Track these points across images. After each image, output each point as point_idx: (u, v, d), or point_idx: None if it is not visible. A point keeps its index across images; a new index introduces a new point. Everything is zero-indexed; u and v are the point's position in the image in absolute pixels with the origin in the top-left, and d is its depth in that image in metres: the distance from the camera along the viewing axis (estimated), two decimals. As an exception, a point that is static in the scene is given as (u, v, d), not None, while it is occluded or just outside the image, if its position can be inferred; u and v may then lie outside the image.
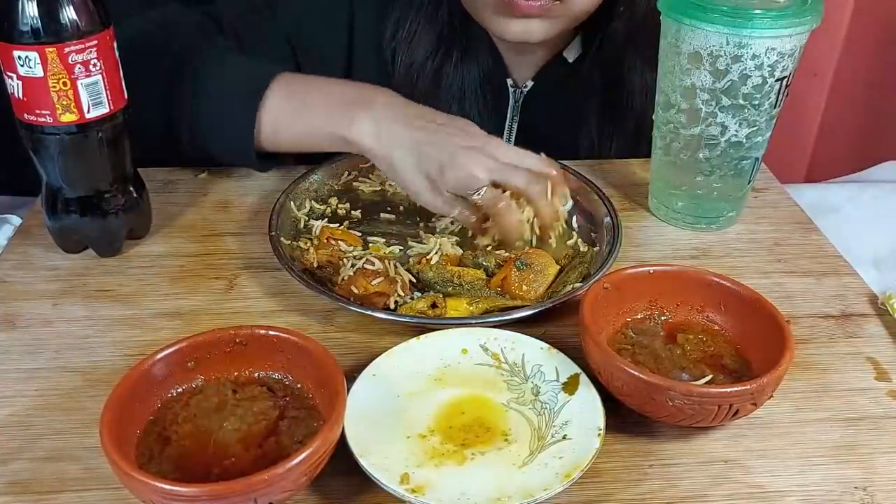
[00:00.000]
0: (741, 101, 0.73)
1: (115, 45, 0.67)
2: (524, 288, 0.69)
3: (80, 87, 0.65)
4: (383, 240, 0.77)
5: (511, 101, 0.97)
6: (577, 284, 0.70)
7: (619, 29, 0.90)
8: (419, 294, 0.70)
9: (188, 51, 0.79)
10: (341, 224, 0.79)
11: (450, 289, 0.70)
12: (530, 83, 0.96)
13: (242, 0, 0.92)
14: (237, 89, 0.77)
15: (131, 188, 0.74)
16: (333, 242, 0.74)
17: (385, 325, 0.67)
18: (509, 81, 0.96)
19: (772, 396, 0.56)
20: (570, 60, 0.95)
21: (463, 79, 0.93)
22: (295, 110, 0.76)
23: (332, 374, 0.52)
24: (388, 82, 0.83)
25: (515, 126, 0.98)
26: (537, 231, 0.73)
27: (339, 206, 0.81)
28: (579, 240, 0.77)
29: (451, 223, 0.78)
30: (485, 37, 0.92)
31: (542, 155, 0.74)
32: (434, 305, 0.68)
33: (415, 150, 0.72)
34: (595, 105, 0.97)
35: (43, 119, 0.65)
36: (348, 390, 0.53)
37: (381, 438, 0.54)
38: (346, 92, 0.77)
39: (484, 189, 0.70)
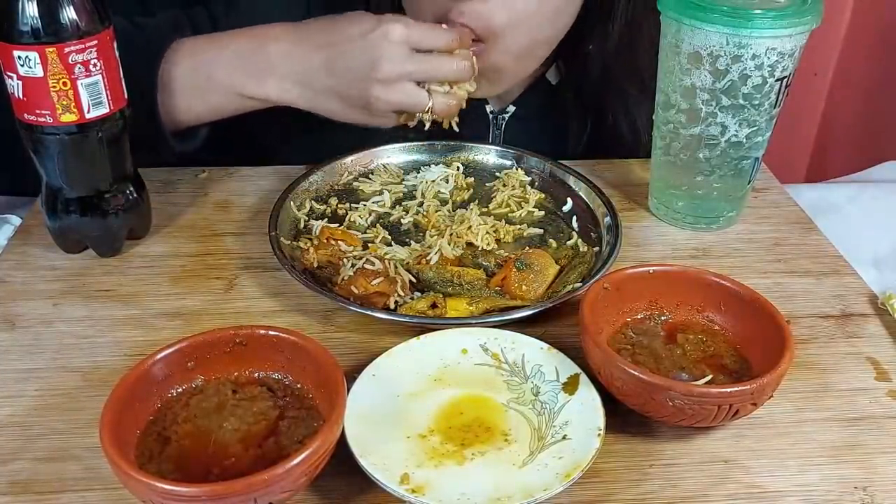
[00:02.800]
0: (741, 101, 0.73)
1: (115, 44, 0.67)
2: (524, 288, 0.69)
3: (80, 87, 0.65)
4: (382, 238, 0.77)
5: (492, 129, 0.96)
6: (577, 284, 0.70)
7: (595, 63, 0.90)
8: (419, 294, 0.70)
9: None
10: (341, 224, 0.79)
11: (449, 289, 0.70)
12: (512, 108, 0.95)
13: (183, 19, 0.87)
14: (135, 68, 0.73)
15: (131, 188, 0.74)
16: (333, 242, 0.74)
17: (385, 325, 0.67)
18: (488, 108, 0.95)
19: (772, 396, 0.56)
20: (553, 83, 0.95)
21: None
22: (194, 77, 0.75)
23: (332, 374, 0.52)
24: None
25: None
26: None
27: (339, 206, 0.81)
28: (579, 240, 0.78)
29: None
30: None
31: (444, 27, 0.75)
32: (434, 305, 0.68)
33: (331, 93, 0.73)
34: (579, 129, 0.96)
35: (43, 119, 0.65)
36: (348, 390, 0.53)
37: (381, 438, 0.54)
38: (242, 43, 0.76)
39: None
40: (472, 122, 0.94)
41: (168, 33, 0.77)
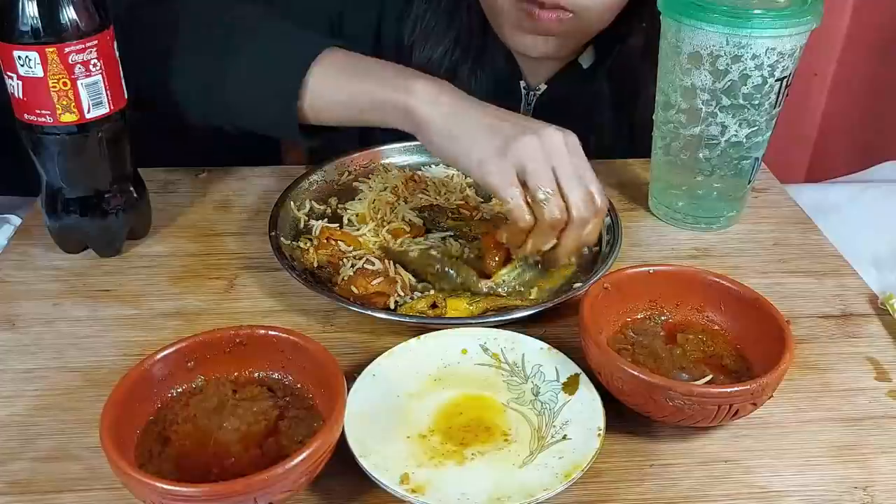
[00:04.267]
0: (741, 101, 0.73)
1: (115, 45, 0.67)
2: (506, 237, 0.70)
3: (80, 87, 0.65)
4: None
5: (524, 104, 0.97)
6: (577, 284, 0.70)
7: (636, 44, 0.91)
8: (419, 294, 0.70)
9: (238, 20, 0.76)
10: (341, 224, 0.79)
11: (431, 269, 0.70)
12: (543, 86, 0.96)
13: None
14: (283, 56, 0.74)
15: (131, 188, 0.74)
16: (333, 242, 0.75)
17: (385, 325, 0.67)
18: (522, 84, 0.96)
19: (772, 396, 0.56)
20: (585, 67, 0.96)
21: (476, 80, 0.93)
22: (343, 78, 0.73)
23: (332, 374, 0.52)
24: None
25: None
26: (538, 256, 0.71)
27: (339, 206, 0.81)
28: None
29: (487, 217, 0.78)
30: (501, 44, 0.93)
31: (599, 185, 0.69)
32: (434, 305, 0.68)
33: (482, 126, 0.67)
34: (608, 111, 0.97)
35: (43, 119, 0.65)
36: (348, 390, 0.53)
37: (381, 438, 0.54)
38: (400, 69, 0.74)
39: (549, 188, 0.65)
40: (504, 96, 0.95)
41: (321, 40, 0.76)
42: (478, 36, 0.92)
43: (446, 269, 0.71)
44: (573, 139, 0.68)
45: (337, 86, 0.73)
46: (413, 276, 0.72)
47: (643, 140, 0.90)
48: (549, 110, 0.96)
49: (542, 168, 0.65)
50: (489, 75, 0.94)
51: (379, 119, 0.72)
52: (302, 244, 0.75)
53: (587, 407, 0.56)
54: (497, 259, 0.71)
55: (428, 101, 0.68)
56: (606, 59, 0.94)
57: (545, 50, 0.86)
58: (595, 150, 0.97)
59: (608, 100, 0.97)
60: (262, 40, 0.75)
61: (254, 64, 0.74)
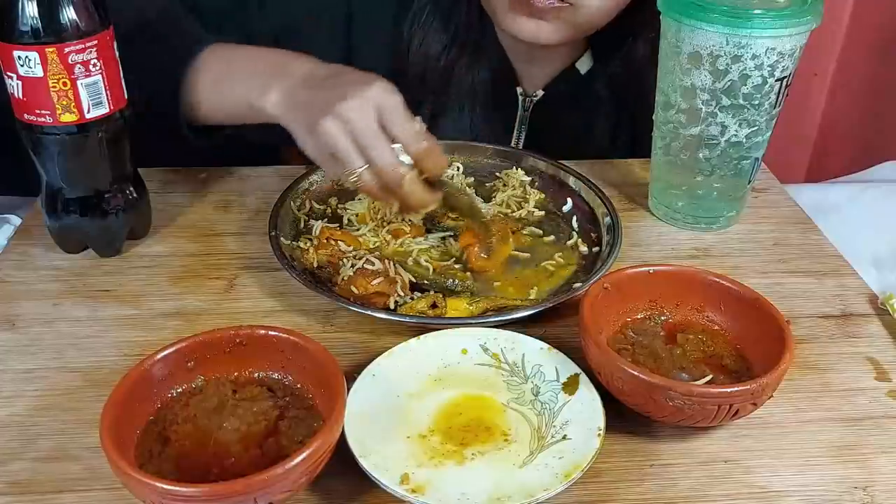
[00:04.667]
0: (741, 101, 0.73)
1: (115, 44, 0.67)
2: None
3: (80, 87, 0.65)
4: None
5: (520, 110, 0.97)
6: (577, 284, 0.70)
7: (639, 49, 0.91)
8: (419, 294, 0.70)
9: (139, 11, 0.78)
10: (341, 224, 0.79)
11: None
12: (540, 93, 0.96)
13: None
14: (167, 62, 0.76)
15: (131, 188, 0.74)
16: (333, 242, 0.75)
17: (385, 325, 0.67)
18: (519, 90, 0.96)
19: (772, 396, 0.56)
20: (583, 72, 0.96)
21: (473, 81, 0.94)
22: (218, 81, 0.75)
23: (332, 374, 0.52)
24: (395, 77, 0.82)
25: (524, 134, 0.98)
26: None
27: (339, 206, 0.81)
28: (579, 240, 0.78)
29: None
30: (498, 44, 0.93)
31: (419, 122, 0.70)
32: (434, 305, 0.68)
33: (300, 108, 0.70)
34: (605, 117, 0.97)
35: (43, 119, 0.65)
36: (348, 390, 0.53)
37: (381, 438, 0.54)
38: (269, 60, 0.76)
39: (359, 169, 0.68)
40: (503, 102, 0.95)
41: (205, 34, 0.78)
42: (476, 31, 0.92)
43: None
44: (374, 92, 0.67)
45: (210, 93, 0.76)
46: (412, 278, 0.72)
47: (644, 146, 0.91)
48: (546, 115, 0.96)
49: (345, 151, 0.67)
50: (485, 78, 0.94)
51: (250, 116, 0.75)
52: (302, 244, 0.75)
53: (587, 407, 0.56)
54: (475, 250, 0.73)
55: (275, 102, 0.71)
56: (605, 65, 0.94)
57: (537, 35, 0.85)
58: (592, 156, 0.97)
59: (606, 105, 0.97)
60: (143, 44, 0.75)
61: (138, 66, 0.74)
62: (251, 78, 0.75)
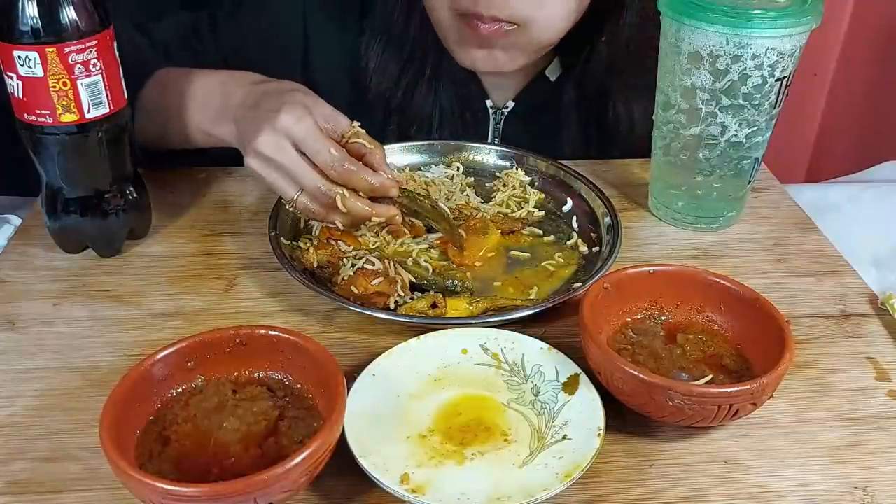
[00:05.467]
0: (741, 101, 0.73)
1: (115, 45, 0.67)
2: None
3: (80, 87, 0.65)
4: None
5: (492, 123, 0.96)
6: (577, 284, 0.70)
7: (602, 54, 0.90)
8: (419, 294, 0.70)
9: None
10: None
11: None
12: (511, 103, 0.95)
13: (188, 24, 0.91)
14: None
15: (131, 188, 0.74)
16: (333, 242, 0.74)
17: (385, 325, 0.67)
18: (489, 103, 0.95)
19: (772, 396, 0.56)
20: (553, 79, 0.95)
21: (438, 100, 0.92)
22: (166, 109, 0.78)
23: (332, 374, 0.52)
24: (356, 98, 0.83)
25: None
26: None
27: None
28: (579, 240, 0.78)
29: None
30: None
31: (355, 125, 0.71)
32: (434, 305, 0.68)
33: (240, 146, 0.73)
34: (577, 124, 0.96)
35: (43, 119, 0.65)
36: (348, 390, 0.53)
37: (381, 438, 0.54)
38: (213, 88, 0.78)
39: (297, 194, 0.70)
40: (473, 116, 0.94)
41: (160, 59, 0.81)
42: (434, 52, 0.90)
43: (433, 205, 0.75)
44: (283, 122, 0.68)
45: (164, 124, 0.79)
46: (412, 279, 0.72)
47: (610, 152, 0.92)
48: (518, 124, 0.96)
49: (274, 185, 0.71)
50: (450, 95, 0.93)
51: (210, 145, 0.79)
52: (302, 244, 0.75)
53: (587, 407, 0.56)
54: (451, 247, 0.75)
55: (229, 132, 0.75)
56: (573, 71, 0.93)
57: (493, 64, 0.84)
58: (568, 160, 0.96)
59: (577, 110, 0.96)
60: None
61: None
62: (200, 106, 0.77)
